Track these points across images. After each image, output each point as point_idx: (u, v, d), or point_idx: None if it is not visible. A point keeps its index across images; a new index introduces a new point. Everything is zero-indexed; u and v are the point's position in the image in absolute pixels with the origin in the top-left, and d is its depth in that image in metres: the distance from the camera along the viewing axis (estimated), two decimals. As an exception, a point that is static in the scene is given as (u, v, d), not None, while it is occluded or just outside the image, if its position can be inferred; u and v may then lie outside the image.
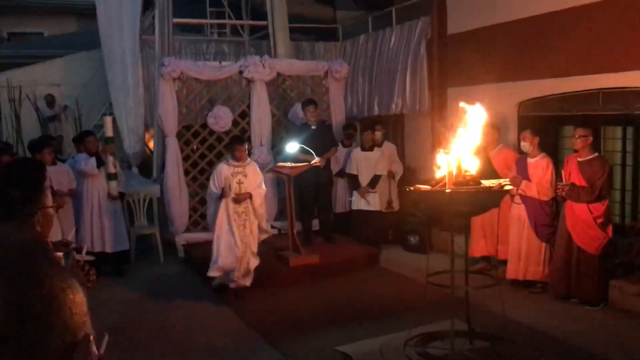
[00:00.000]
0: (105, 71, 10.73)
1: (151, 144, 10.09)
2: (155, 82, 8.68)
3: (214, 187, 6.38)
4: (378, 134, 8.52)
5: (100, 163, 7.22)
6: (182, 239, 8.33)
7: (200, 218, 8.51)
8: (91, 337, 0.92)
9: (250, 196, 6.37)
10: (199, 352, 5.17)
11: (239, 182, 6.35)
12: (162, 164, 8.45)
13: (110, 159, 7.32)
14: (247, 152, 6.58)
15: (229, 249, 6.33)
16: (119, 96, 10.24)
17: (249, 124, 8.49)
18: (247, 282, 6.48)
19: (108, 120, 7.53)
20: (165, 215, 8.39)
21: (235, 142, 6.51)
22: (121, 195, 7.60)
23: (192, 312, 6.17)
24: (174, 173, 8.21)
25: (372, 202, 8.26)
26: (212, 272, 6.43)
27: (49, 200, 1.77)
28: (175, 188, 8.22)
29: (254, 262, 6.47)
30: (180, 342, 5.40)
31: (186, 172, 8.38)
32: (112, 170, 7.34)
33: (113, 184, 7.39)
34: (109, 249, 7.37)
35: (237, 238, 6.32)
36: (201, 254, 7.82)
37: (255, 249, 6.47)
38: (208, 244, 8.20)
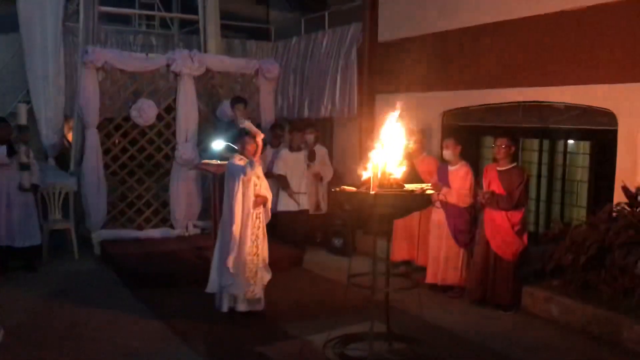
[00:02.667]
0: (24, 57, 10.19)
1: (70, 136, 9.66)
2: (78, 71, 8.33)
3: (236, 187, 5.49)
4: (310, 137, 8.52)
5: (12, 152, 6.84)
6: (99, 235, 8.00)
7: (119, 214, 8.22)
8: None
9: (265, 201, 5.72)
10: (112, 353, 4.94)
11: (255, 184, 5.60)
12: (81, 157, 8.10)
13: (23, 148, 6.95)
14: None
15: (244, 262, 5.56)
16: (37, 84, 9.72)
17: (174, 118, 8.28)
18: (260, 306, 5.77)
19: (22, 107, 7.16)
20: (82, 210, 8.04)
21: (246, 134, 5.67)
22: (34, 188, 7.21)
23: (107, 311, 5.91)
24: (92, 166, 7.89)
25: (302, 204, 8.23)
26: (225, 303, 5.62)
27: None
28: (93, 182, 7.90)
29: (267, 277, 5.76)
30: (92, 342, 5.14)
31: (106, 166, 8.07)
32: (24, 160, 6.97)
33: (25, 174, 7.01)
34: (17, 243, 6.99)
35: (251, 247, 5.59)
36: (118, 251, 7.57)
37: (267, 259, 5.77)
38: (126, 241, 7.99)
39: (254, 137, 5.66)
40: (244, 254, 5.55)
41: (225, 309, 5.65)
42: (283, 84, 10.15)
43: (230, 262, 5.47)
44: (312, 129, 8.64)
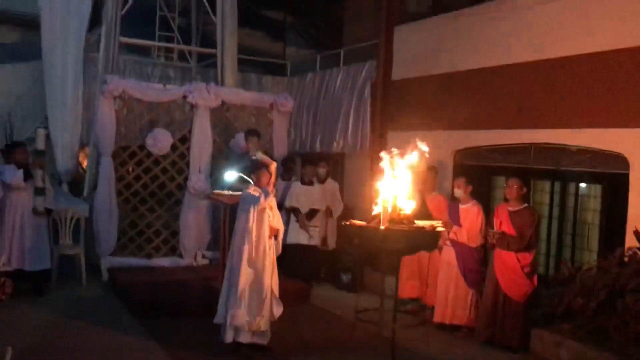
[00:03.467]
0: (44, 84, 10.41)
1: (85, 164, 9.78)
2: (96, 100, 8.48)
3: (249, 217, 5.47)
4: (322, 171, 8.57)
5: (28, 176, 6.93)
6: (108, 262, 8.01)
7: (129, 242, 8.24)
8: None
9: (277, 233, 5.68)
10: (114, 380, 4.92)
11: (268, 215, 5.55)
12: (95, 183, 8.18)
13: (39, 172, 7.04)
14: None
15: (250, 294, 5.48)
16: (56, 111, 9.91)
17: (188, 149, 8.37)
18: (265, 339, 5.64)
19: (41, 132, 7.27)
20: (92, 236, 8.08)
21: (264, 167, 5.72)
22: (47, 212, 7.27)
23: (111, 339, 5.88)
24: (105, 193, 7.96)
25: (314, 237, 8.23)
26: (229, 334, 5.48)
27: None
28: (105, 208, 7.95)
29: (277, 310, 5.66)
30: (95, 369, 5.13)
31: (119, 193, 8.13)
32: (40, 184, 7.04)
33: (39, 199, 7.08)
34: (27, 266, 7.01)
35: (260, 279, 5.49)
36: (126, 278, 7.56)
37: (277, 293, 5.68)
38: (134, 269, 7.99)
39: (267, 167, 5.68)
40: (251, 286, 5.50)
41: (229, 340, 5.56)
42: (297, 118, 10.27)
43: (238, 293, 5.43)
44: (324, 163, 8.71)
